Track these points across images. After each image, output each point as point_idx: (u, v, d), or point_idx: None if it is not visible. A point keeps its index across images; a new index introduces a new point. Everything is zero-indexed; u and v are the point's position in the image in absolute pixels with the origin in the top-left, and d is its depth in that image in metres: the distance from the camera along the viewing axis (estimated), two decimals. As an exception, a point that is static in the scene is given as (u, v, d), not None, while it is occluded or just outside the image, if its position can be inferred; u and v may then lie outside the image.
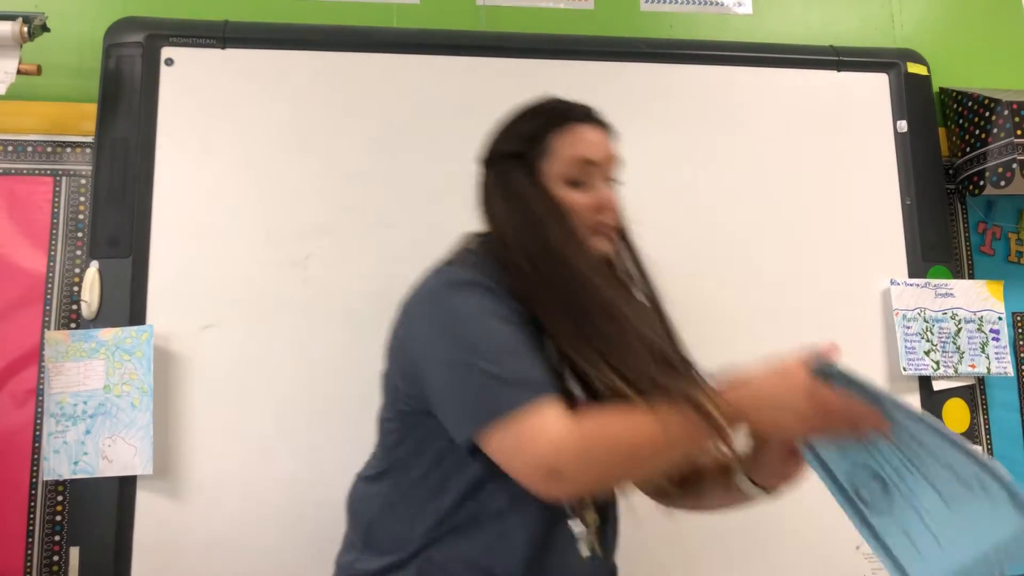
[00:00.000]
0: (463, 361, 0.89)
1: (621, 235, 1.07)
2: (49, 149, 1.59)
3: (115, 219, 1.52)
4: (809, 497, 1.62)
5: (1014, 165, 1.64)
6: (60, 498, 1.50)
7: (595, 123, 1.04)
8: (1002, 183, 1.67)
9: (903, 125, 1.79)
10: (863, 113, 1.79)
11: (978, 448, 0.85)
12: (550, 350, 0.94)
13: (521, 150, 1.01)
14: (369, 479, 1.06)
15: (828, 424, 0.83)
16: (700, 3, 1.88)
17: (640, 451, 0.84)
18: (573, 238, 0.96)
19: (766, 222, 1.71)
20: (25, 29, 1.47)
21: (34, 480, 1.50)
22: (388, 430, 1.04)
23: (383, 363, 1.05)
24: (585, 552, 0.97)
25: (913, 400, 1.69)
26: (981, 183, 1.74)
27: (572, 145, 1.00)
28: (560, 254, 0.95)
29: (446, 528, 0.94)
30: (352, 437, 1.50)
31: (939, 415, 1.69)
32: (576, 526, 0.97)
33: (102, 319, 1.49)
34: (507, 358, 0.88)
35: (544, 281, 0.95)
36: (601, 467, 0.85)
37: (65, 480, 1.47)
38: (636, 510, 1.59)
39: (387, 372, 1.04)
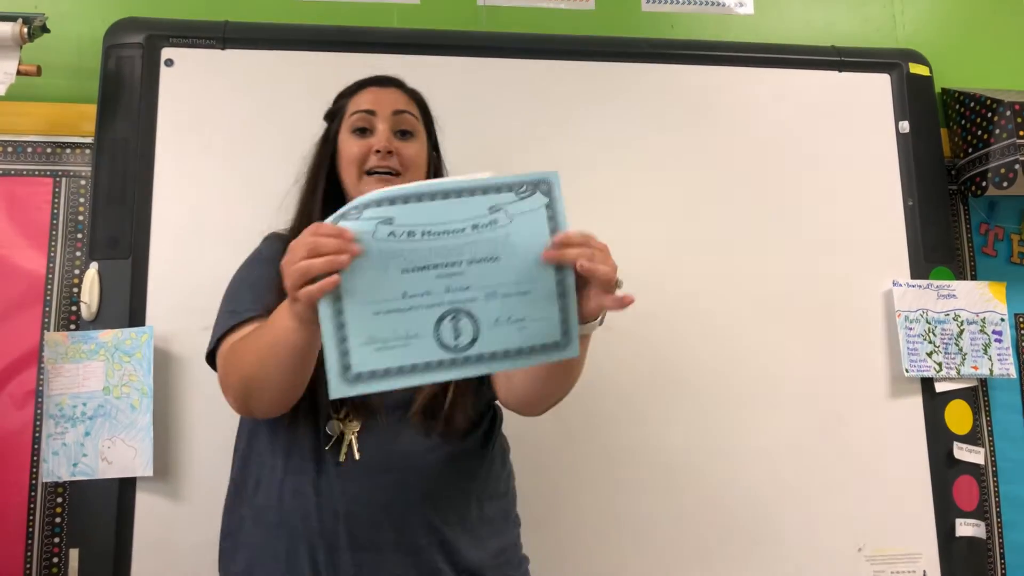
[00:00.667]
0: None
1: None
2: (49, 150, 1.59)
3: (115, 220, 1.52)
4: (810, 498, 1.62)
5: (1016, 166, 1.64)
6: (60, 500, 1.49)
7: (385, 85, 1.20)
8: (1004, 184, 1.66)
9: (905, 126, 1.78)
10: (865, 114, 1.79)
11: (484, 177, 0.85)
12: None
13: (332, 110, 1.22)
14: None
15: (291, 275, 0.80)
16: (701, 3, 1.87)
17: (258, 357, 0.93)
18: (319, 177, 1.15)
19: (768, 223, 1.71)
20: (25, 30, 1.47)
21: (33, 482, 1.49)
22: None
23: None
24: (341, 457, 1.02)
25: (915, 402, 1.68)
26: (983, 184, 1.73)
27: (354, 103, 1.16)
28: (304, 191, 1.17)
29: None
30: (352, 439, 1.51)
31: (941, 416, 1.69)
32: (331, 431, 1.04)
33: (102, 320, 1.48)
34: (238, 293, 1.09)
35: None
36: (239, 373, 0.97)
37: (65, 482, 1.46)
38: (637, 510, 1.59)
39: None
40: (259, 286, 1.06)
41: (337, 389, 0.80)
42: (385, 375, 0.81)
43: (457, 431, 1.05)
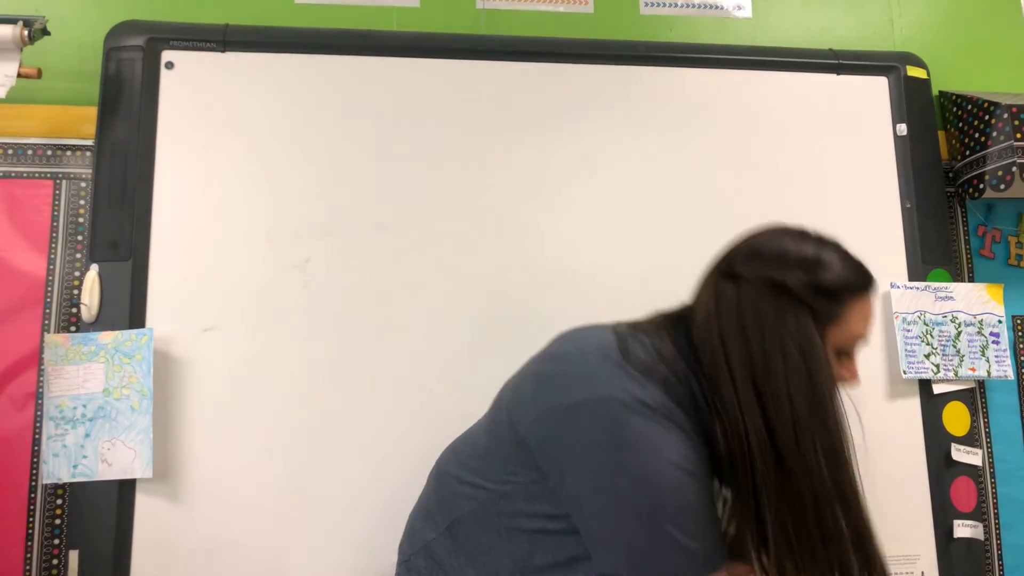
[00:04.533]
0: (643, 515, 0.82)
1: None
2: (49, 152, 1.59)
3: (115, 222, 1.52)
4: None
5: (1014, 168, 1.64)
6: (59, 501, 1.49)
7: (874, 292, 0.97)
8: (1002, 186, 1.67)
9: (903, 128, 1.79)
10: (863, 116, 1.79)
11: None
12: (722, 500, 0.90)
13: (810, 300, 0.90)
14: (468, 474, 1.01)
15: None
16: (700, 7, 1.88)
17: None
18: (842, 415, 0.89)
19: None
20: (25, 32, 1.47)
21: (33, 483, 1.49)
22: (504, 462, 0.96)
23: (507, 408, 0.99)
24: None
25: (913, 403, 1.68)
26: (981, 186, 1.74)
27: (859, 321, 0.93)
28: (832, 431, 0.88)
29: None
30: (352, 439, 1.51)
31: (939, 418, 1.69)
32: None
33: (102, 322, 1.49)
34: (692, 525, 0.81)
35: (794, 449, 0.84)
36: None
37: (64, 483, 1.47)
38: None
39: (514, 425, 0.95)
40: (714, 518, 0.86)
41: None
42: None
43: None
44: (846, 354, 0.93)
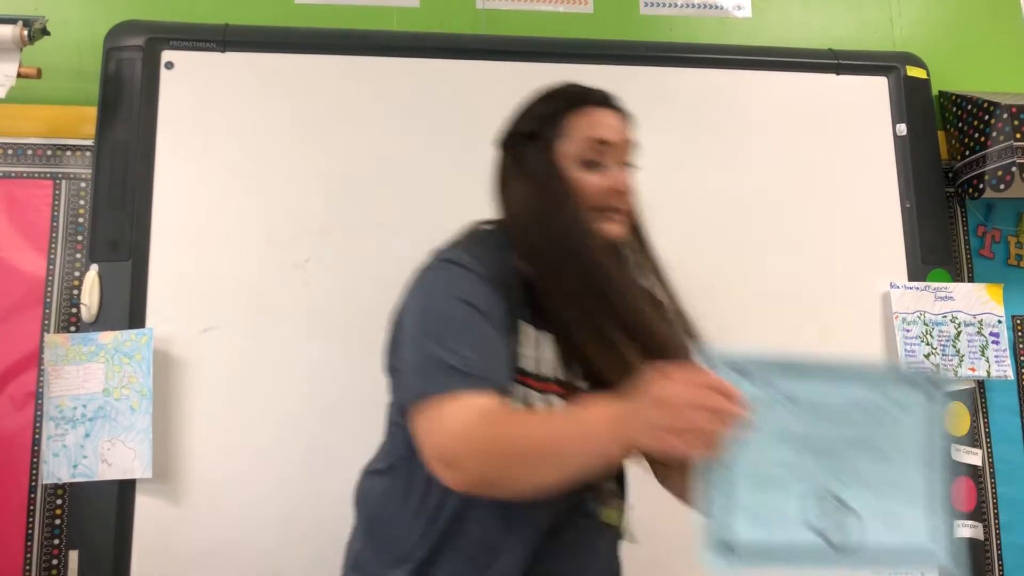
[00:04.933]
0: (419, 335, 0.92)
1: (634, 221, 1.07)
2: (49, 152, 1.59)
3: (115, 222, 1.52)
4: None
5: (1013, 168, 1.64)
6: (59, 501, 1.49)
7: (612, 107, 1.04)
8: (1001, 186, 1.67)
9: (902, 128, 1.79)
10: (862, 116, 1.79)
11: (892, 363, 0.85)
12: (544, 341, 0.96)
13: (537, 130, 1.01)
14: (373, 473, 1.05)
15: (677, 428, 0.72)
16: (699, 7, 1.88)
17: (535, 456, 0.82)
18: (584, 218, 0.97)
19: (765, 226, 1.71)
20: (25, 32, 1.47)
21: (33, 483, 1.49)
22: (394, 424, 1.03)
23: (387, 354, 1.04)
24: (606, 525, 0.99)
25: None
26: (980, 186, 1.74)
27: (588, 126, 1.00)
28: (573, 233, 0.95)
29: (443, 534, 0.93)
30: (353, 439, 1.50)
31: (939, 418, 1.69)
32: (593, 501, 0.98)
33: (102, 322, 1.49)
34: (453, 342, 0.88)
35: (555, 260, 0.95)
36: (496, 465, 0.83)
37: (64, 483, 1.47)
38: (635, 512, 1.59)
39: (390, 362, 1.03)
40: (489, 347, 0.90)
41: (708, 557, 0.75)
42: (757, 554, 0.75)
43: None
44: (596, 163, 0.99)
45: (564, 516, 0.94)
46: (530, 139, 1.01)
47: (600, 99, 1.03)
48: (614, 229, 0.99)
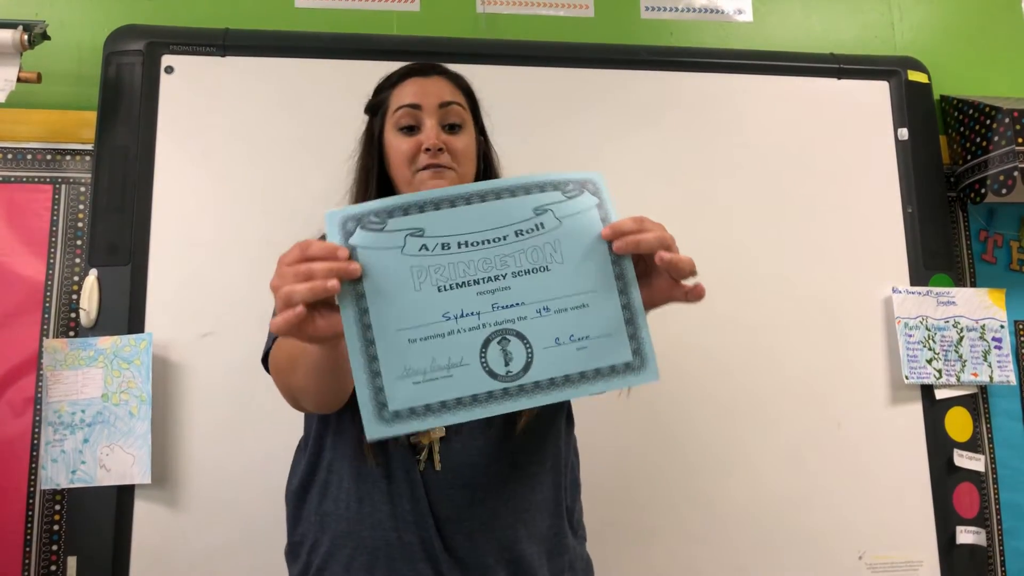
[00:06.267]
0: None
1: (471, 175, 1.09)
2: (48, 157, 1.59)
3: (114, 227, 1.52)
4: (810, 506, 1.62)
5: (1015, 173, 1.64)
6: (58, 507, 1.49)
7: (429, 74, 1.10)
8: (1003, 191, 1.66)
9: (904, 133, 1.79)
10: (864, 121, 1.79)
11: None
12: None
13: (375, 105, 1.13)
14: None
15: (277, 299, 0.72)
16: (701, 11, 1.88)
17: (288, 367, 0.90)
18: (400, 178, 1.05)
19: (767, 230, 1.71)
20: (25, 37, 1.47)
21: (32, 489, 1.49)
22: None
23: None
24: (421, 467, 0.96)
25: (915, 409, 1.68)
26: (982, 191, 1.73)
27: (401, 96, 1.07)
28: (355, 194, 1.09)
29: (321, 480, 1.02)
30: (351, 446, 1.50)
31: (942, 424, 1.68)
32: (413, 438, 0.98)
33: (101, 327, 1.48)
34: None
35: None
36: (280, 382, 0.95)
37: (63, 489, 1.46)
38: (631, 519, 1.59)
39: None
40: None
41: (373, 430, 0.70)
42: (427, 412, 0.71)
43: (535, 433, 1.00)
44: (410, 127, 1.05)
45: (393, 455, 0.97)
46: (372, 115, 1.13)
47: (417, 70, 1.11)
48: (434, 185, 1.01)
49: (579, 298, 0.74)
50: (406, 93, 1.07)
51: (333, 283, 0.69)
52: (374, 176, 1.08)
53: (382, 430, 0.70)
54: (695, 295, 0.78)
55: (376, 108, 1.12)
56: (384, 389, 0.70)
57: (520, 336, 0.73)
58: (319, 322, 0.72)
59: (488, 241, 0.73)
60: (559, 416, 1.07)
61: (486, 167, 1.14)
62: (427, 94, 1.07)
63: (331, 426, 1.02)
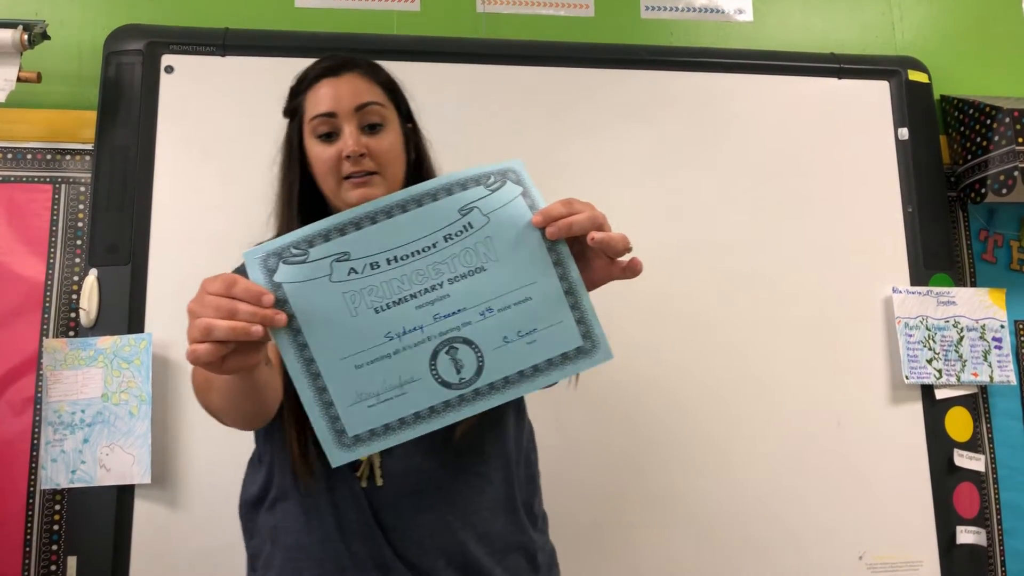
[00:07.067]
0: None
1: (400, 178, 1.04)
2: (48, 156, 1.59)
3: (114, 226, 1.52)
4: (810, 506, 1.62)
5: (1016, 173, 1.64)
6: (58, 507, 1.49)
7: (340, 72, 1.04)
8: (1004, 191, 1.66)
9: (904, 132, 1.79)
10: (864, 121, 1.79)
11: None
12: None
13: (290, 109, 1.09)
14: None
15: (192, 327, 0.69)
16: (701, 11, 1.88)
17: (204, 387, 0.88)
18: (328, 189, 1.02)
19: (767, 229, 1.71)
20: (25, 37, 1.47)
21: (32, 489, 1.49)
22: None
23: None
24: (363, 484, 0.95)
25: (915, 409, 1.68)
26: (983, 191, 1.73)
27: (313, 104, 1.03)
28: (279, 203, 1.08)
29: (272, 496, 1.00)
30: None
31: (942, 424, 1.68)
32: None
33: (100, 327, 1.48)
34: None
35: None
36: (200, 398, 0.90)
37: (63, 489, 1.46)
38: (630, 519, 1.59)
39: None
40: None
41: (337, 456, 0.70)
42: (387, 431, 0.70)
43: (477, 434, 0.98)
44: (329, 135, 1.01)
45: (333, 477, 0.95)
46: (291, 118, 1.09)
47: (329, 69, 1.04)
48: (361, 194, 0.98)
49: (520, 292, 0.72)
50: (320, 99, 1.02)
51: (257, 330, 0.66)
52: (297, 191, 1.05)
53: (345, 456, 0.70)
54: (632, 271, 0.77)
55: (293, 112, 1.08)
56: (340, 417, 0.70)
57: (467, 342, 0.72)
58: (234, 360, 0.69)
59: (418, 252, 0.72)
60: (505, 414, 1.04)
61: (418, 158, 1.10)
62: (341, 98, 1.01)
63: (274, 443, 1.00)
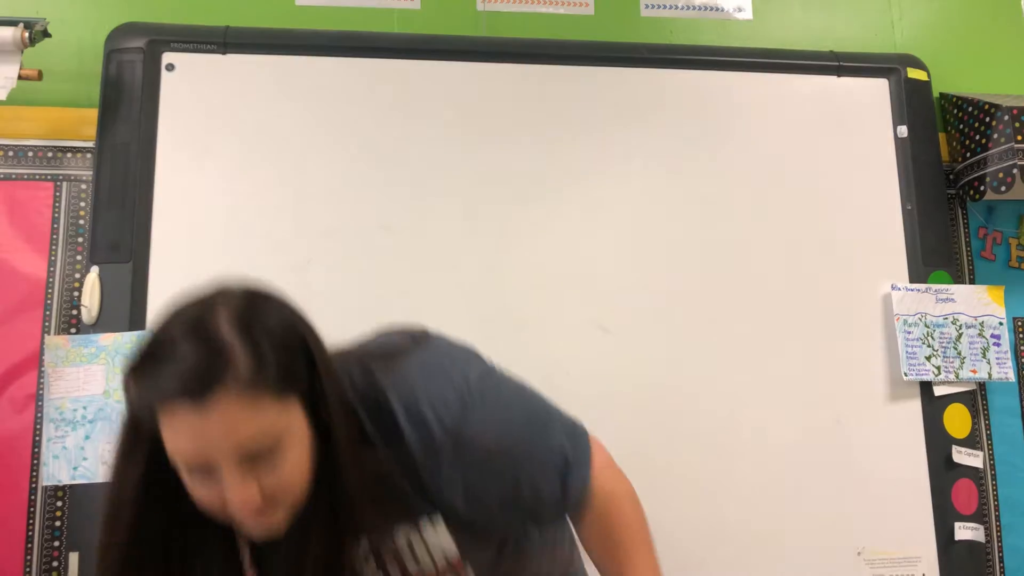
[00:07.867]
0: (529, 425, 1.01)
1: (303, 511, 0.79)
2: (50, 154, 1.59)
3: (115, 224, 1.52)
4: (809, 502, 1.62)
5: (1014, 170, 1.64)
6: (60, 503, 1.49)
7: (203, 399, 0.69)
8: (1003, 188, 1.67)
9: (903, 130, 1.79)
10: (863, 118, 1.79)
11: None
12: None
13: (137, 412, 0.75)
14: None
15: None
16: (700, 9, 1.88)
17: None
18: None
19: (766, 228, 1.71)
20: (26, 34, 1.47)
21: (33, 485, 1.49)
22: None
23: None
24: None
25: (914, 405, 1.68)
26: (982, 188, 1.74)
27: (173, 440, 0.72)
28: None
29: None
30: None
31: (940, 420, 1.69)
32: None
33: (102, 324, 1.49)
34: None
35: None
36: None
37: (65, 485, 1.47)
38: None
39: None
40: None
41: None
42: None
43: None
44: (203, 472, 0.73)
45: None
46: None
47: (182, 391, 0.69)
48: (265, 529, 0.77)
49: None
50: (181, 442, 0.71)
51: None
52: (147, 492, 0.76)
53: None
54: None
55: (140, 417, 0.74)
56: None
57: None
58: None
59: None
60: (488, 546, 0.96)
61: (328, 442, 0.79)
62: (211, 441, 0.70)
63: None
